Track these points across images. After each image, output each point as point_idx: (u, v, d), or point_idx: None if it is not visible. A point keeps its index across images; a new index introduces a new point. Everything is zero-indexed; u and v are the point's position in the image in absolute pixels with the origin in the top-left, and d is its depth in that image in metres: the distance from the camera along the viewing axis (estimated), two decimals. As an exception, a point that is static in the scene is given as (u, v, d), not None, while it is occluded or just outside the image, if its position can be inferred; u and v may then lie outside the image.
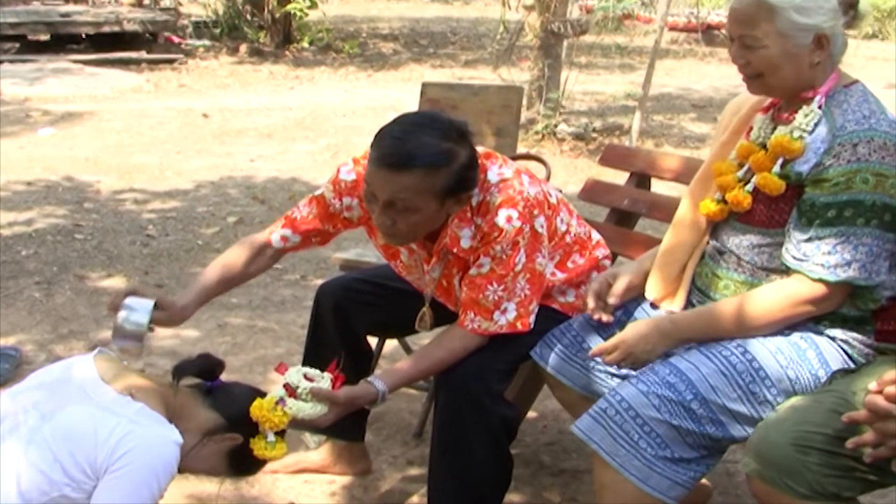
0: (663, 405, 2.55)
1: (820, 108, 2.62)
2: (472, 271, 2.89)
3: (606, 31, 18.70)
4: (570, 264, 3.12)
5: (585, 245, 3.16)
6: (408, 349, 4.00)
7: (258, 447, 2.67)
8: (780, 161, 2.64)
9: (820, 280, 2.55)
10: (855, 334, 2.65)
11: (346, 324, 3.31)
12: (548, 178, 3.96)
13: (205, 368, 2.71)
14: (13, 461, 2.32)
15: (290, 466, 3.57)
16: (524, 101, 9.44)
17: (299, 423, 2.76)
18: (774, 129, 2.72)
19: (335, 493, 3.48)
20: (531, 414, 3.94)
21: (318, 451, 3.58)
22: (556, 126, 9.30)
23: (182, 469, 2.66)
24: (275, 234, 3.17)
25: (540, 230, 2.89)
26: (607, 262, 3.19)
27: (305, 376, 2.74)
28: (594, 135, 9.46)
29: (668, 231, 2.95)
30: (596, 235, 3.24)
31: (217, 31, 15.45)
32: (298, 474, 3.56)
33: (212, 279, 3.08)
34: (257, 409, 2.62)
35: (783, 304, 2.61)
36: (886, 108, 2.64)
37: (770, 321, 2.63)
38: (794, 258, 2.59)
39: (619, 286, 2.93)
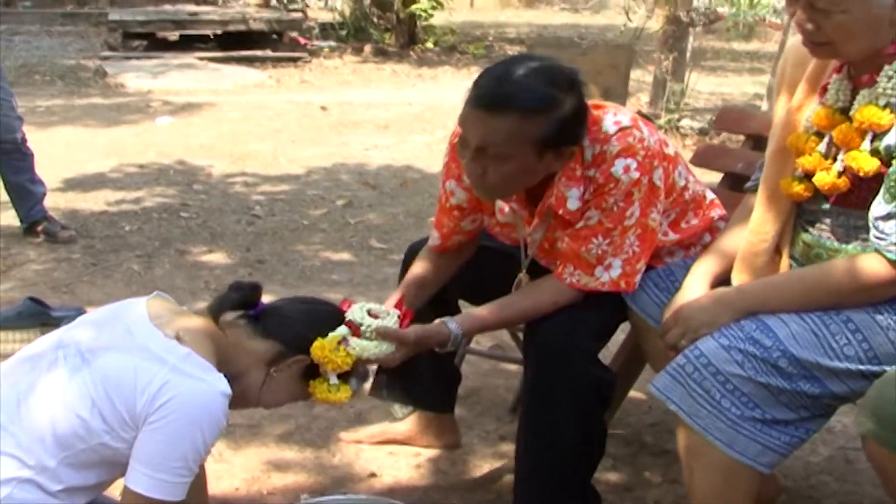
0: (747, 361, 2.26)
1: None
2: (579, 224, 2.65)
3: (737, 38, 18.33)
4: (683, 224, 2.86)
5: (701, 205, 2.90)
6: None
7: (319, 390, 2.45)
8: (869, 135, 2.31)
9: None
10: None
11: (437, 291, 3.08)
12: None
13: (242, 298, 2.46)
14: (50, 402, 2.14)
15: (375, 437, 3.40)
16: (647, 97, 9.23)
17: (364, 363, 2.55)
18: (854, 91, 2.38)
19: (420, 465, 3.29)
20: (636, 394, 3.68)
21: (405, 422, 3.38)
22: (679, 121, 8.99)
23: (266, 406, 2.51)
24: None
25: (658, 183, 2.64)
26: (722, 224, 2.90)
27: (370, 312, 2.54)
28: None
29: (750, 226, 2.58)
30: (711, 195, 2.98)
31: (343, 32, 15.43)
32: (382, 445, 3.38)
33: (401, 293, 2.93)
34: (318, 349, 2.39)
35: (856, 286, 2.31)
36: None
37: (841, 302, 2.33)
38: (874, 236, 2.28)
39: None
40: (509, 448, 3.29)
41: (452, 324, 2.65)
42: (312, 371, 2.45)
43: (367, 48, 14.50)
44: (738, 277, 2.55)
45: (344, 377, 2.48)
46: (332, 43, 14.94)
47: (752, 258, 2.53)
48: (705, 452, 2.32)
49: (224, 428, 2.22)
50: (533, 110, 2.46)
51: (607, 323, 2.81)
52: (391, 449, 3.36)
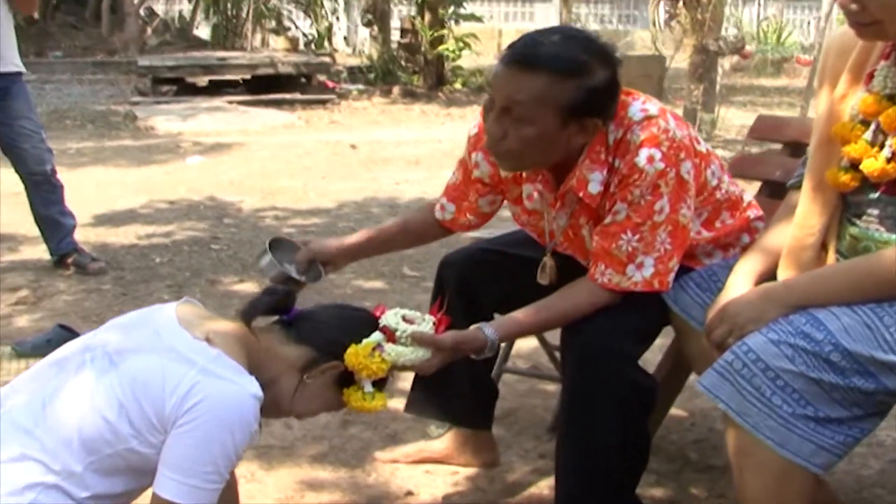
0: (797, 356, 2.15)
1: None
2: (607, 219, 2.57)
3: (765, 75, 18.29)
4: (717, 224, 2.77)
5: (737, 205, 2.81)
6: (543, 339, 3.67)
7: (354, 398, 2.35)
8: None
9: None
10: None
11: (472, 301, 2.98)
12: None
13: (275, 303, 2.39)
14: (76, 405, 2.06)
15: (411, 456, 3.30)
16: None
17: (400, 370, 2.45)
18: None
19: (458, 483, 3.18)
20: (678, 412, 3.60)
21: (441, 440, 3.29)
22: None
23: (298, 415, 2.41)
24: (437, 203, 3.03)
25: (686, 177, 2.55)
26: (760, 224, 2.82)
27: (405, 318, 2.45)
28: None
29: (795, 220, 2.47)
30: (748, 197, 2.88)
31: (371, 76, 15.47)
32: (419, 464, 3.27)
33: (378, 227, 3.13)
34: (353, 356, 2.31)
35: None
36: None
37: (893, 293, 2.22)
38: None
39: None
40: (549, 465, 3.21)
41: (489, 329, 2.57)
42: (346, 379, 2.36)
43: (396, 90, 14.53)
44: (784, 273, 2.46)
45: (379, 385, 2.40)
46: (361, 86, 14.98)
47: (799, 252, 2.44)
48: (756, 453, 2.21)
49: (255, 433, 2.13)
50: (563, 72, 2.41)
51: (648, 326, 2.72)
52: (428, 468, 3.26)
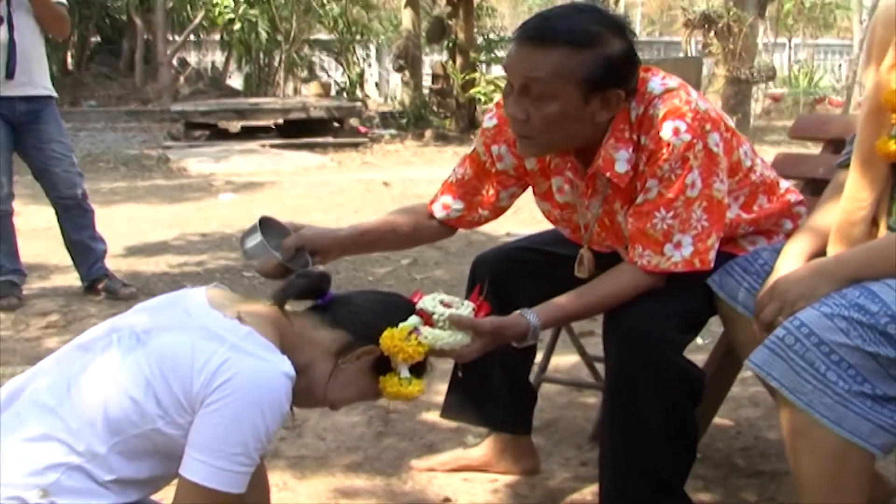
0: (853, 329, 2.05)
1: None
2: (639, 199, 2.48)
3: (798, 116, 18.19)
4: (755, 207, 2.67)
5: (774, 189, 2.71)
6: (575, 339, 3.57)
7: (391, 385, 2.25)
8: None
9: None
10: None
11: (506, 301, 2.87)
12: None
13: (310, 287, 2.29)
14: (101, 384, 1.98)
15: (448, 464, 3.19)
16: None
17: (438, 355, 2.34)
18: None
19: (498, 490, 3.07)
20: (723, 421, 3.49)
21: (480, 447, 3.18)
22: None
23: (333, 404, 2.28)
24: (436, 203, 2.87)
25: (715, 149, 2.45)
26: (802, 209, 2.73)
27: (443, 303, 2.35)
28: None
29: (845, 194, 2.38)
30: (785, 183, 2.79)
31: (403, 121, 15.50)
32: (457, 472, 3.17)
33: (369, 223, 2.86)
34: (388, 339, 2.21)
35: None
36: None
37: None
38: None
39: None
40: (591, 473, 3.10)
41: (531, 315, 2.47)
42: (383, 366, 2.27)
43: (428, 133, 14.57)
44: (834, 250, 2.35)
45: (416, 371, 2.30)
46: (393, 131, 15.00)
47: (849, 228, 2.33)
48: (812, 433, 2.09)
49: (286, 414, 2.03)
50: (579, 44, 2.34)
51: (693, 314, 2.60)
52: (466, 475, 3.15)
